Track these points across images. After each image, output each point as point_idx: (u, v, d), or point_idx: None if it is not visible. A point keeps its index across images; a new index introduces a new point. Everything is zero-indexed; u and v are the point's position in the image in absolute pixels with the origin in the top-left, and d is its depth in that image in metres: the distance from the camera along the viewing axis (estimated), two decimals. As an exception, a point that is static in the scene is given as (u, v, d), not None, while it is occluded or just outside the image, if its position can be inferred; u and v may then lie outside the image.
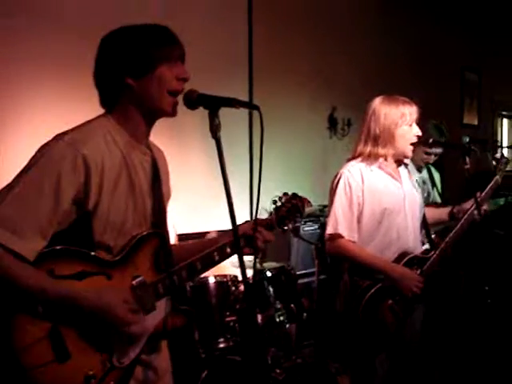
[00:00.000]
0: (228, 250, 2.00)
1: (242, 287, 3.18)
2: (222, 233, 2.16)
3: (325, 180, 5.80)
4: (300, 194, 2.35)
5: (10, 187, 1.67)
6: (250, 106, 1.82)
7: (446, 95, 7.44)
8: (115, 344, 1.76)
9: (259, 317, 3.15)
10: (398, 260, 2.98)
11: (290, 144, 5.50)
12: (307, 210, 2.30)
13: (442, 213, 3.31)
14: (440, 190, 4.16)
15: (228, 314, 3.12)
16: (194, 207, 4.52)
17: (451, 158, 5.48)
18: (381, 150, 2.98)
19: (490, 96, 8.39)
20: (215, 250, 1.98)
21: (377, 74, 6.37)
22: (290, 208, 2.19)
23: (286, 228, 2.17)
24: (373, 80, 6.33)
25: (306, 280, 4.61)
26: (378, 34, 6.50)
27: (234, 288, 3.18)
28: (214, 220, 4.62)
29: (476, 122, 8.21)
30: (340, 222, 2.94)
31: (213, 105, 1.75)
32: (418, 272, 2.98)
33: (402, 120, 2.96)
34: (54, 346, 1.65)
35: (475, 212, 3.10)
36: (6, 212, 1.63)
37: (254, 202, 5.66)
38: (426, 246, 3.22)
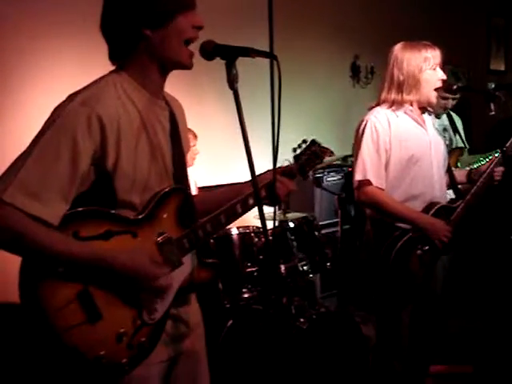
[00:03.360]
0: (251, 201, 1.98)
1: (264, 238, 3.18)
2: (244, 183, 2.14)
3: (348, 129, 5.77)
4: (323, 145, 2.34)
5: (27, 153, 1.64)
6: (268, 54, 1.77)
7: (472, 41, 7.26)
8: (145, 300, 1.76)
9: (282, 267, 3.17)
10: (426, 210, 2.95)
11: (312, 94, 5.44)
12: (328, 159, 2.28)
13: (461, 174, 3.24)
14: (464, 137, 4.08)
15: (251, 264, 3.14)
16: (214, 159, 4.52)
17: (476, 104, 5.40)
18: (406, 97, 2.92)
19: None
20: (238, 202, 1.96)
21: (400, 20, 6.22)
22: (310, 155, 2.17)
23: (307, 176, 2.16)
24: (396, 27, 6.19)
25: (328, 230, 4.63)
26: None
27: (256, 239, 3.20)
28: (234, 171, 4.63)
29: (503, 68, 8.01)
30: (368, 169, 2.89)
31: (229, 55, 1.71)
32: (446, 222, 2.95)
33: (425, 64, 2.90)
34: (85, 307, 1.65)
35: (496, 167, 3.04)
36: (26, 178, 1.60)
37: (275, 152, 5.64)
38: (450, 193, 3.19)
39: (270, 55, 1.74)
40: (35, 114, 3.35)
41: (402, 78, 2.92)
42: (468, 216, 3.00)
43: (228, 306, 3.20)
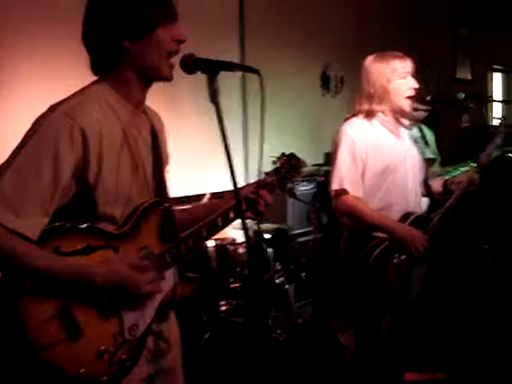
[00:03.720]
0: (231, 214, 1.97)
1: (241, 250, 3.18)
2: (223, 197, 2.14)
3: (319, 138, 5.84)
4: (292, 151, 2.35)
5: (7, 164, 1.61)
6: (250, 69, 1.76)
7: (439, 50, 7.38)
8: (126, 316, 1.74)
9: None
10: (402, 219, 2.98)
11: (283, 104, 5.45)
12: (304, 169, 2.29)
13: (437, 184, 3.27)
14: (435, 150, 4.12)
15: (228, 277, 3.13)
16: (189, 170, 4.50)
17: (446, 114, 5.48)
18: (376, 107, 2.98)
19: (482, 50, 8.33)
20: (219, 216, 1.95)
21: (369, 31, 6.30)
22: (289, 169, 2.18)
23: (285, 189, 2.17)
24: (365, 37, 6.26)
25: (301, 239, 4.65)
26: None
27: (233, 251, 3.18)
28: (209, 183, 4.62)
29: (469, 77, 8.17)
30: (345, 178, 2.92)
31: (211, 69, 1.71)
32: (423, 231, 2.98)
33: (393, 75, 2.95)
34: (65, 324, 1.62)
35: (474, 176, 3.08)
36: (4, 190, 1.57)
37: (248, 165, 5.63)
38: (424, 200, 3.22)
39: (253, 70, 1.74)
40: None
41: (371, 89, 2.99)
42: (444, 226, 3.03)
43: (205, 318, 3.18)
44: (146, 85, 1.84)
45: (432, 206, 3.12)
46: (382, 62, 2.99)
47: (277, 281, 3.24)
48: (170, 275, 1.87)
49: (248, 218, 2.03)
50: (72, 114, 1.66)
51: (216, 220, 1.95)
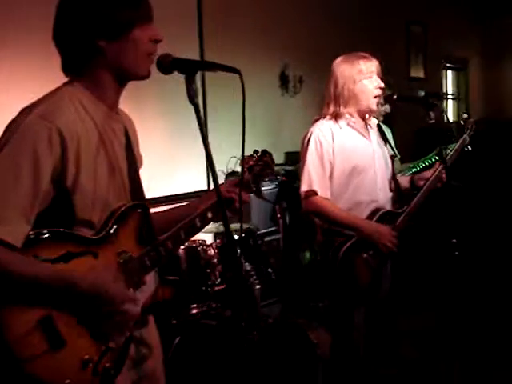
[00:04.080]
0: (209, 215, 1.97)
1: (211, 251, 3.16)
2: (198, 198, 2.13)
3: (279, 138, 5.85)
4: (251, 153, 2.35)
5: None
6: (230, 69, 1.73)
7: (393, 49, 7.48)
8: (108, 325, 1.69)
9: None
10: (370, 216, 3.03)
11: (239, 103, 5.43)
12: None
13: (404, 181, 3.32)
14: (394, 147, 4.18)
15: (200, 279, 3.10)
16: (152, 172, 4.45)
17: (401, 112, 5.56)
18: (343, 110, 3.02)
19: (435, 49, 8.48)
20: (196, 217, 1.94)
21: (326, 31, 6.36)
22: (263, 166, 2.19)
23: (260, 186, 2.17)
24: (323, 37, 6.32)
25: (266, 239, 4.65)
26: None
27: (203, 253, 3.15)
28: (172, 185, 4.58)
29: (422, 75, 8.29)
30: (314, 180, 2.97)
31: (189, 69, 1.67)
32: (391, 227, 3.03)
33: (358, 76, 2.99)
34: (48, 335, 1.57)
35: (441, 172, 3.12)
36: None
37: (210, 166, 5.60)
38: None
39: (233, 70, 1.71)
40: None
41: (338, 92, 3.03)
42: (412, 221, 3.08)
43: (175, 322, 3.14)
44: (121, 85, 1.80)
45: (400, 202, 3.15)
46: (347, 63, 3.03)
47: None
48: (151, 279, 1.84)
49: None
50: (49, 116, 1.62)
51: (194, 221, 1.94)
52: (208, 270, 3.10)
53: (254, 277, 3.18)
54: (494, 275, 5.30)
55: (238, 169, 5.04)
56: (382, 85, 3.01)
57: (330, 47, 6.41)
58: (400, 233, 3.03)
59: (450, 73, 9.51)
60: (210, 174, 1.70)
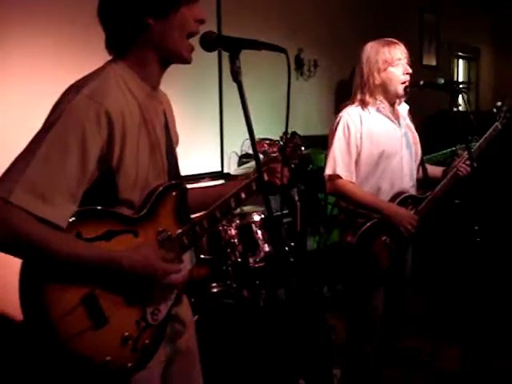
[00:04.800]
0: (243, 195, 1.99)
1: (231, 231, 3.17)
2: (233, 180, 2.16)
3: (293, 122, 5.79)
4: (269, 136, 2.37)
5: (31, 149, 1.53)
6: (276, 48, 1.73)
7: (406, 36, 7.40)
8: (148, 301, 1.72)
9: (251, 260, 3.17)
10: (393, 199, 3.05)
11: (258, 87, 5.45)
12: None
13: (437, 171, 3.32)
14: None
15: (221, 258, 3.11)
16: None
17: (412, 97, 5.57)
18: (369, 98, 3.03)
19: (447, 37, 8.47)
20: (231, 197, 1.95)
21: (340, 16, 6.37)
22: (293, 147, 2.20)
23: (292, 167, 2.19)
24: (337, 22, 6.32)
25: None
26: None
27: (224, 233, 3.17)
28: (188, 166, 4.57)
29: (434, 63, 8.29)
30: (338, 164, 2.99)
31: (233, 47, 1.67)
32: (413, 211, 3.05)
33: (384, 65, 2.98)
34: (91, 312, 1.59)
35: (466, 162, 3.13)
36: (34, 178, 1.49)
37: (224, 147, 5.59)
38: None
39: (279, 49, 1.71)
40: None
41: (363, 81, 3.03)
42: (435, 207, 3.09)
43: (193, 300, 3.16)
44: (165, 65, 1.79)
45: (426, 189, 3.16)
46: (373, 51, 3.02)
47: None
48: (187, 258, 1.86)
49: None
50: (97, 96, 1.60)
51: (229, 201, 1.96)
52: (228, 250, 3.11)
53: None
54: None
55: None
56: (410, 70, 3.01)
57: (344, 33, 6.44)
58: (422, 217, 3.05)
59: (461, 61, 9.49)
60: (253, 153, 1.70)
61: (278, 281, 3.13)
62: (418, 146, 3.20)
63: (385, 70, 2.99)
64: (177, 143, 2.01)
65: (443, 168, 3.30)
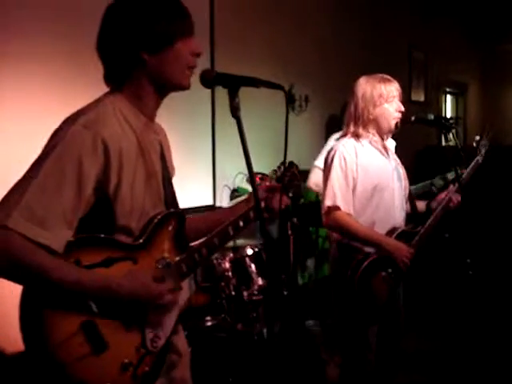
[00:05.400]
0: (241, 223, 2.02)
1: (225, 265, 3.19)
2: (231, 206, 2.19)
3: (283, 156, 5.87)
4: (260, 171, 2.40)
5: (28, 177, 1.58)
6: (274, 85, 1.79)
7: (395, 72, 7.52)
8: (148, 328, 1.74)
9: (245, 294, 3.17)
10: (388, 234, 3.06)
11: (250, 121, 5.49)
12: None
13: (420, 203, 3.35)
14: None
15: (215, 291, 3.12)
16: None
17: (401, 133, 5.67)
18: (362, 131, 3.07)
19: (435, 73, 8.62)
20: (229, 225, 1.98)
21: (332, 52, 6.47)
22: (291, 176, 2.24)
23: (290, 195, 2.22)
24: (329, 58, 6.42)
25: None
26: (334, 14, 6.59)
27: (217, 266, 3.18)
28: (179, 199, 4.60)
29: (423, 99, 8.41)
30: (337, 195, 2.98)
31: (232, 84, 1.72)
32: (408, 245, 3.06)
33: (379, 100, 3.03)
34: (90, 338, 1.60)
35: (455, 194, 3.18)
36: (31, 205, 1.53)
37: (216, 179, 5.58)
38: None
39: (277, 86, 1.77)
40: None
41: (357, 113, 3.07)
42: (426, 241, 3.12)
43: (186, 333, 3.15)
44: (161, 96, 1.85)
45: (416, 223, 3.18)
46: (369, 85, 3.07)
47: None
48: (185, 286, 1.89)
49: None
50: (93, 125, 1.65)
51: (227, 229, 1.99)
52: (222, 283, 3.12)
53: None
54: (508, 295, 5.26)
55: (244, 185, 5.10)
56: (403, 108, 3.06)
57: (336, 68, 6.54)
58: (415, 252, 3.06)
59: (449, 97, 9.65)
60: (250, 184, 1.74)
61: (273, 314, 3.11)
62: (407, 180, 3.23)
63: (380, 105, 3.04)
64: (173, 174, 2.04)
65: (425, 202, 3.33)
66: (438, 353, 4.52)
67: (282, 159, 6.07)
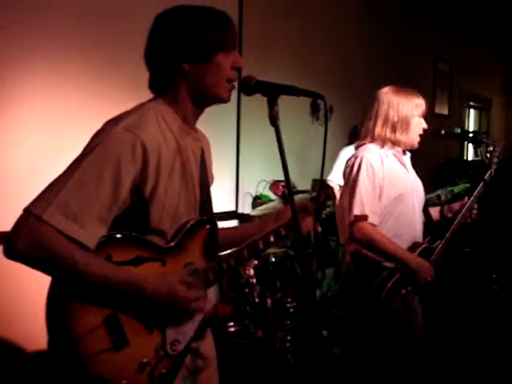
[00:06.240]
0: (272, 238, 2.04)
1: (250, 272, 3.20)
2: (265, 218, 2.19)
3: (307, 165, 5.91)
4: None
5: (68, 174, 1.63)
6: (313, 94, 1.81)
7: (420, 84, 7.56)
8: (169, 331, 1.76)
9: (269, 301, 3.18)
10: (411, 249, 3.03)
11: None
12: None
13: (433, 212, 3.32)
14: None
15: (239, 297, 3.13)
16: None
17: (423, 145, 5.66)
18: (399, 136, 3.02)
19: (459, 87, 8.60)
20: (260, 239, 2.01)
21: (357, 63, 6.48)
22: (325, 197, 2.25)
23: (323, 216, 2.22)
24: (353, 69, 6.44)
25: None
26: (360, 25, 6.62)
27: (242, 272, 3.19)
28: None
29: (446, 112, 8.39)
30: (366, 204, 2.92)
31: (272, 92, 1.75)
32: (428, 261, 3.03)
33: (416, 110, 3.02)
34: (112, 333, 1.63)
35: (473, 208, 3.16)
36: (67, 200, 1.58)
37: (239, 187, 5.58)
38: None
39: (317, 95, 1.78)
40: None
41: (396, 118, 3.01)
42: (444, 255, 3.09)
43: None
44: (202, 106, 1.89)
45: (434, 236, 3.15)
46: (408, 95, 3.05)
47: (286, 304, 3.25)
48: (211, 294, 1.90)
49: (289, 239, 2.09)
50: (133, 129, 1.70)
51: (257, 242, 2.01)
52: (247, 290, 3.13)
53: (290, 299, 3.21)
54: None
55: (267, 192, 5.09)
56: (426, 126, 3.05)
57: (360, 79, 6.55)
58: (434, 268, 3.03)
59: (472, 111, 9.61)
60: (287, 197, 1.74)
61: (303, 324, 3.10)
62: (423, 192, 3.21)
63: (414, 116, 3.03)
64: (211, 182, 2.07)
65: (438, 208, 3.31)
66: (465, 368, 4.45)
67: (302, 166, 6.10)
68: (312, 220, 2.12)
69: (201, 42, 1.78)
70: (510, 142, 3.45)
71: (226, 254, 1.93)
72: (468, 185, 4.33)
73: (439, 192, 4.01)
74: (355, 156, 3.06)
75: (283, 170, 1.76)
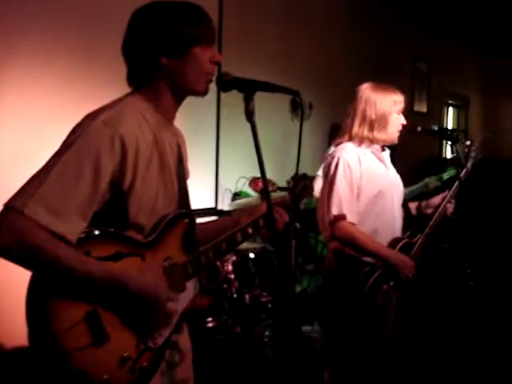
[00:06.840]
0: (250, 230, 2.05)
1: (228, 267, 3.21)
2: (240, 212, 2.20)
3: (286, 161, 5.93)
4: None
5: (48, 168, 1.63)
6: (289, 91, 1.83)
7: (399, 83, 7.59)
8: (149, 325, 1.77)
9: (247, 296, 3.20)
10: (392, 245, 3.05)
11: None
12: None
13: (411, 207, 3.34)
14: None
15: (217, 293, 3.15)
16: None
17: (403, 143, 5.71)
18: (376, 135, 3.02)
19: (438, 85, 8.67)
20: (238, 231, 2.02)
21: (338, 61, 6.52)
22: (303, 188, 2.26)
23: (301, 207, 2.23)
24: (333, 66, 6.47)
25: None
26: (341, 24, 6.66)
27: (221, 268, 3.21)
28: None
29: (425, 110, 8.46)
30: (343, 204, 2.93)
31: (248, 88, 1.77)
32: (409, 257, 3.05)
33: (394, 107, 3.03)
34: (92, 329, 1.64)
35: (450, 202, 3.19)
36: (47, 194, 1.58)
37: (219, 183, 5.56)
38: None
39: (292, 92, 1.80)
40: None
41: (374, 116, 3.01)
42: (423, 250, 3.11)
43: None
44: (179, 100, 1.90)
45: (412, 231, 3.17)
46: (385, 92, 3.06)
47: (262, 299, 3.27)
48: (190, 286, 1.91)
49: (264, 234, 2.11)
50: (112, 123, 1.71)
51: (236, 235, 2.02)
52: (225, 286, 3.15)
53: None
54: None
55: (247, 189, 5.10)
56: (405, 122, 3.07)
57: (341, 77, 6.58)
58: (415, 263, 3.05)
59: (451, 109, 9.70)
60: (264, 192, 1.76)
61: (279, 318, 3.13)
62: (402, 188, 3.23)
63: (392, 112, 3.04)
64: (187, 177, 2.08)
65: (415, 204, 3.33)
66: (437, 363, 4.46)
67: (283, 164, 6.11)
68: (287, 214, 2.12)
69: (178, 36, 1.79)
70: (488, 136, 3.45)
71: (205, 248, 1.94)
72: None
73: (426, 181, 4.03)
74: (332, 156, 3.06)
75: (259, 165, 1.79)
